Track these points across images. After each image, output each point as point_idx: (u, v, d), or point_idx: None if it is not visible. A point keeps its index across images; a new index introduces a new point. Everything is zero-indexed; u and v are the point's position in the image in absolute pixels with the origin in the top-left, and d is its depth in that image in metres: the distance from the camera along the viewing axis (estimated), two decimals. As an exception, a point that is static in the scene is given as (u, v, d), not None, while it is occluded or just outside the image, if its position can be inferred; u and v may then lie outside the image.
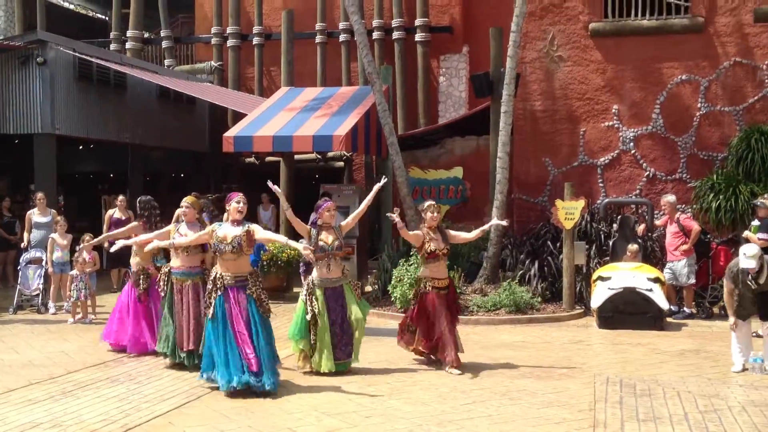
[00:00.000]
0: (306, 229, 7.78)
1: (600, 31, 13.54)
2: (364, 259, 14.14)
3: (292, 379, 7.55)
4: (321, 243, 7.65)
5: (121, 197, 13.77)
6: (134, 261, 8.97)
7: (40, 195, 12.54)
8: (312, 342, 7.67)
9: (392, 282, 11.21)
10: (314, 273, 7.71)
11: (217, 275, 7.07)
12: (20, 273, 11.81)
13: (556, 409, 6.49)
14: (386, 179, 8.28)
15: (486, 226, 8.79)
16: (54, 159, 14.05)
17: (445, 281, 8.06)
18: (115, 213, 13.23)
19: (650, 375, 7.68)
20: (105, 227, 13.13)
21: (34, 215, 12.36)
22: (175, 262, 7.93)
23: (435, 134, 15.35)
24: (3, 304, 11.71)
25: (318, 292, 7.66)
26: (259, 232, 7.10)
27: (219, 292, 7.01)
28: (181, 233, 7.86)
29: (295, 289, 13.52)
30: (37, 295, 11.62)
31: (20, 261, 12.00)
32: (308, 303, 7.66)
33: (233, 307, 6.98)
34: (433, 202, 8.17)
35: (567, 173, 13.59)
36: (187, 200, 8.11)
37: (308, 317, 7.63)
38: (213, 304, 7.02)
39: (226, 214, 7.18)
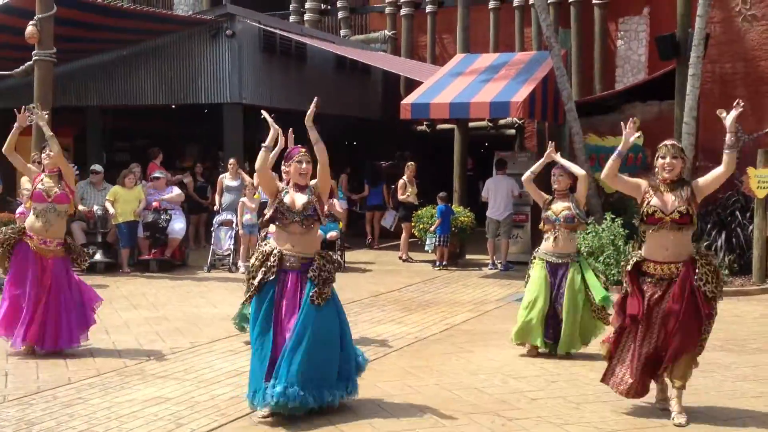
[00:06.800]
0: (544, 198, 7.32)
1: (799, -14, 12.60)
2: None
3: (473, 343, 7.68)
4: (548, 213, 7.19)
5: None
6: None
7: (232, 160, 13.26)
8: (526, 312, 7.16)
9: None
10: (542, 244, 7.26)
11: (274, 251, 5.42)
12: (213, 234, 12.65)
13: (753, 383, 6.24)
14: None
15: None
16: (241, 127, 14.80)
17: (673, 266, 5.33)
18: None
19: None
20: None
21: (226, 179, 13.11)
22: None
23: (613, 100, 14.85)
24: (198, 263, 12.61)
25: (538, 263, 7.18)
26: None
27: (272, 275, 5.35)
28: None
29: (468, 256, 13.67)
30: (229, 255, 12.42)
31: (213, 223, 12.84)
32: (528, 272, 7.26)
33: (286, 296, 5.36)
34: (672, 141, 5.56)
35: (759, 139, 12.81)
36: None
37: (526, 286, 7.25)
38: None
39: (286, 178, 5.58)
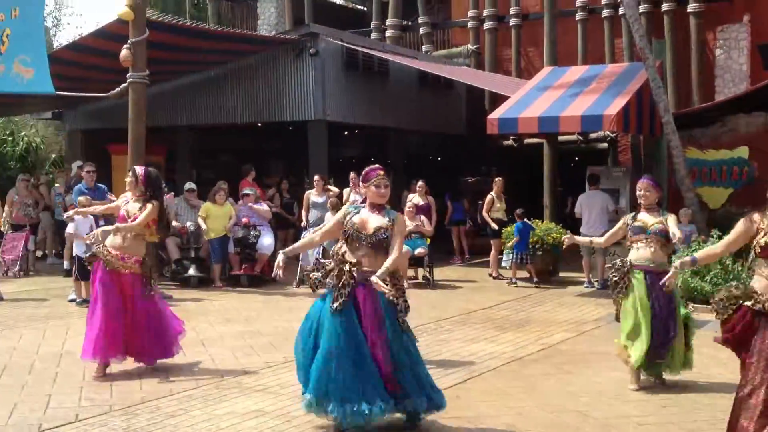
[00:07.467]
0: (621, 225, 6.80)
1: None
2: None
3: (573, 364, 7.36)
4: (638, 223, 6.61)
5: (420, 182, 13.46)
6: None
7: (317, 177, 13.27)
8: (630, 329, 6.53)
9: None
10: (634, 253, 6.63)
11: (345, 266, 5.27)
12: (301, 250, 12.64)
13: None
14: None
15: None
16: (326, 143, 14.85)
17: None
18: (414, 198, 13.13)
19: None
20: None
21: (312, 195, 13.09)
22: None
23: (713, 111, 14.25)
24: (288, 279, 12.59)
25: (638, 275, 6.51)
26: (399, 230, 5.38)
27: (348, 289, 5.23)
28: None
29: (561, 274, 13.28)
30: (316, 270, 12.35)
31: (300, 239, 12.84)
32: (624, 287, 6.54)
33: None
34: None
35: None
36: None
37: (627, 304, 6.55)
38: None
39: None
